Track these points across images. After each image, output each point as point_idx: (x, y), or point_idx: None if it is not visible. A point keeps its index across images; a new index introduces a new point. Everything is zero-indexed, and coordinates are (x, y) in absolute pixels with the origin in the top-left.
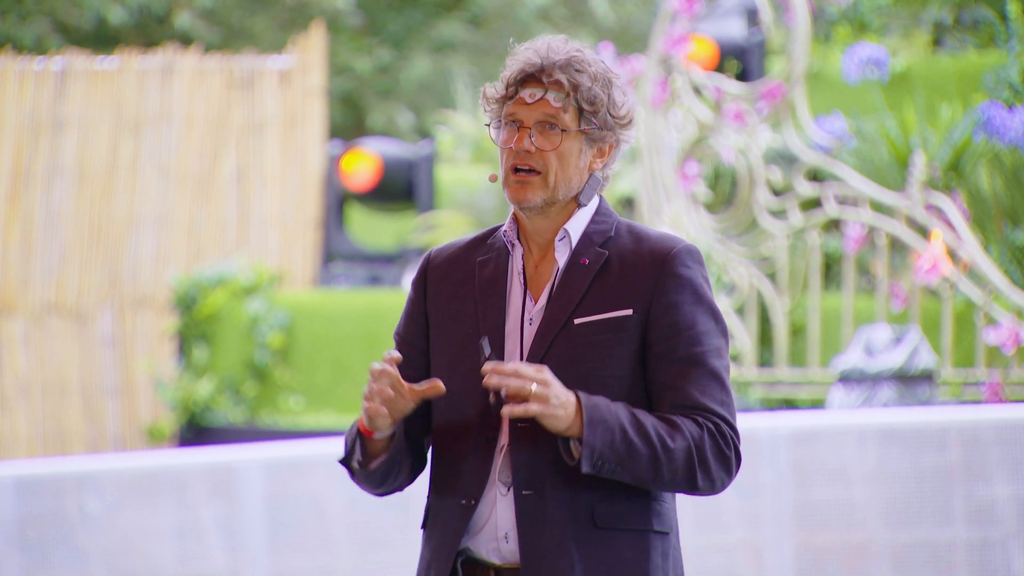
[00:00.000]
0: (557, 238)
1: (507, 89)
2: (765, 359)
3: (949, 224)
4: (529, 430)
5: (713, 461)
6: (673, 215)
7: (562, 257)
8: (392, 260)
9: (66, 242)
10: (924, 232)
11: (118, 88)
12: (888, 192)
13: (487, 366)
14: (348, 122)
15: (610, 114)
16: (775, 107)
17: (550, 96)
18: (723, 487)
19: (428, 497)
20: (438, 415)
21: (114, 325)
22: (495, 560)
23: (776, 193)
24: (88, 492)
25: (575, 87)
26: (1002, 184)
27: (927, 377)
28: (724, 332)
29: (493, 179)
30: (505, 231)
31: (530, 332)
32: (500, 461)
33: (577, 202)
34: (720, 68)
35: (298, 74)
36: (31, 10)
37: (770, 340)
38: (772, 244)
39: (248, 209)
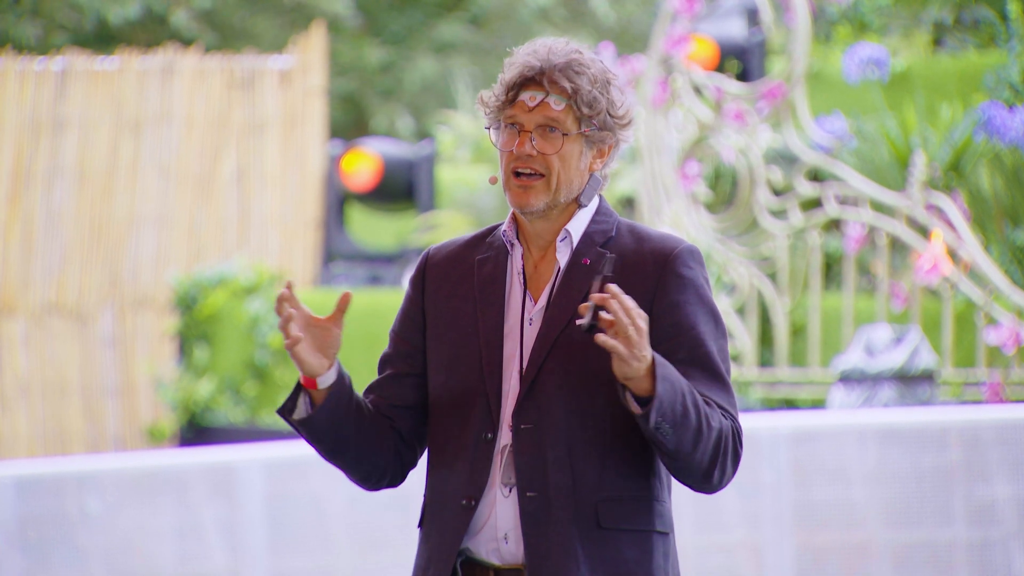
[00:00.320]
0: (558, 239)
1: (507, 93)
2: (765, 359)
3: (949, 224)
4: (532, 431)
5: (730, 453)
6: (673, 215)
7: (563, 257)
8: (392, 260)
9: (66, 242)
10: (924, 232)
11: (118, 88)
12: (888, 192)
13: (612, 288)
14: (349, 122)
15: (610, 115)
16: (775, 107)
17: (551, 100)
18: (725, 485)
19: (425, 496)
20: (436, 414)
21: (114, 325)
22: (495, 561)
23: (776, 193)
24: (88, 492)
25: (575, 90)
26: (1002, 184)
27: (927, 377)
28: (724, 333)
29: (493, 181)
30: (504, 231)
31: (530, 332)
32: (502, 462)
33: (578, 203)
34: (720, 68)
35: (298, 74)
36: (29, 10)
37: (770, 340)
38: (772, 244)
39: (248, 209)
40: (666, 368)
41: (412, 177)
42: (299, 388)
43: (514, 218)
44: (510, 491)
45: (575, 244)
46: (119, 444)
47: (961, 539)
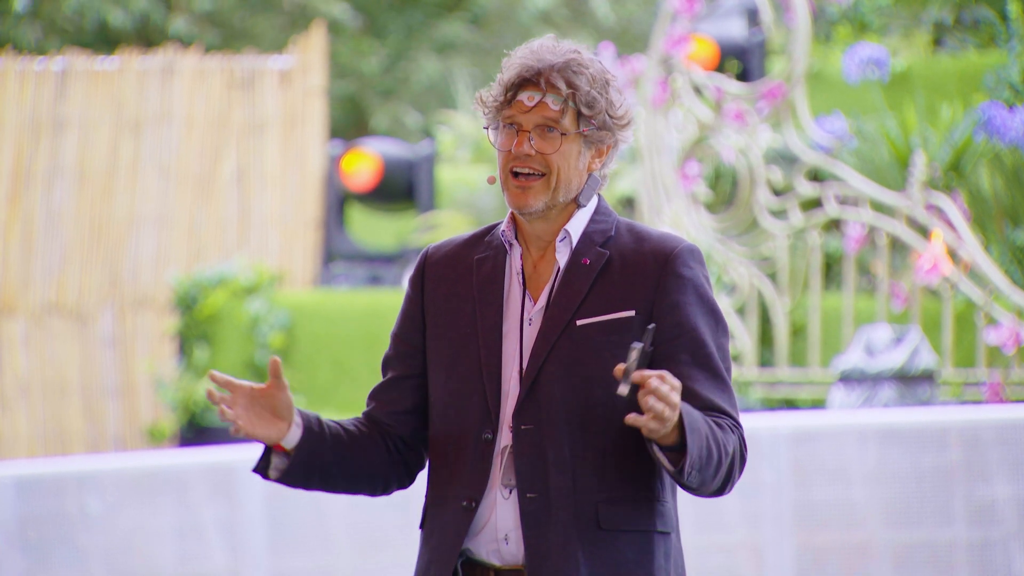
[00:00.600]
0: (558, 239)
1: (505, 93)
2: (765, 359)
3: (949, 224)
4: (531, 432)
5: (739, 466)
6: (673, 215)
7: (562, 257)
8: (392, 260)
9: (67, 242)
10: (924, 232)
11: (118, 88)
12: (888, 192)
13: (655, 379)
14: (349, 123)
15: (608, 115)
16: (775, 107)
17: (548, 99)
18: (733, 487)
19: (426, 497)
20: (436, 415)
21: (114, 325)
22: (495, 561)
23: (776, 193)
24: (88, 492)
25: (573, 90)
26: (1002, 184)
27: (927, 377)
28: (725, 332)
29: (491, 181)
30: (503, 231)
31: (530, 332)
32: (502, 463)
33: (576, 203)
34: (720, 68)
35: (298, 74)
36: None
37: (770, 340)
38: (772, 244)
39: (248, 209)
40: (691, 416)
41: (412, 177)
42: (268, 449)
43: (513, 218)
44: (510, 492)
45: (574, 244)
46: (119, 444)
47: (961, 539)
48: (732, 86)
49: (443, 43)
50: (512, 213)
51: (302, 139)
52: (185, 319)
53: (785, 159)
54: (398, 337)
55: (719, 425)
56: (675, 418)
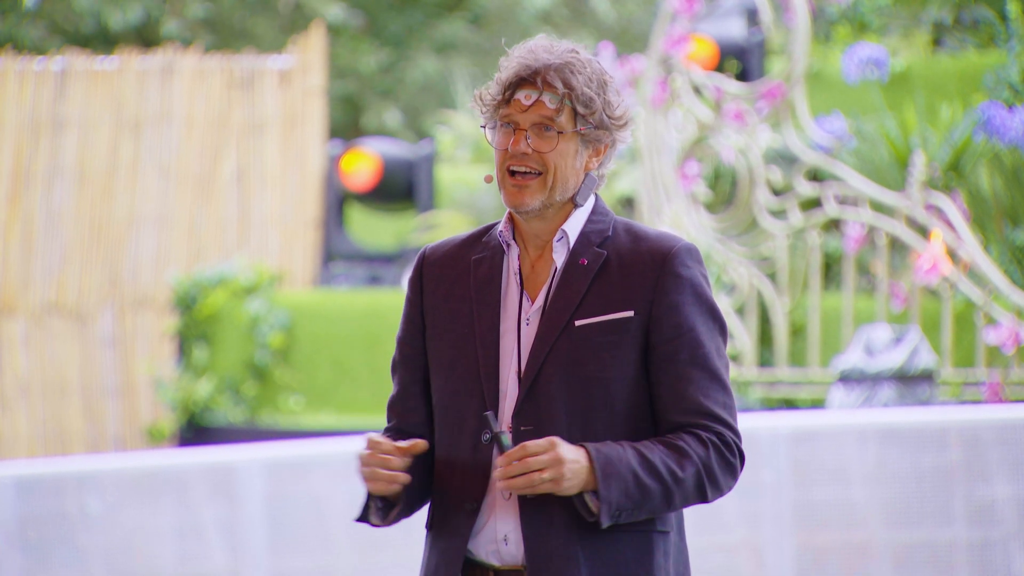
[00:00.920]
0: (555, 239)
1: (503, 92)
2: (765, 359)
3: (949, 224)
4: (531, 433)
5: (720, 473)
6: (673, 215)
7: (560, 257)
8: (392, 260)
9: (66, 242)
10: (924, 232)
11: (118, 88)
12: (888, 192)
13: (498, 472)
14: (348, 123)
15: (605, 115)
16: (775, 107)
17: (545, 98)
18: (729, 490)
19: (432, 497)
20: (438, 416)
21: (114, 325)
22: (494, 562)
23: (776, 193)
24: (88, 492)
25: (570, 89)
26: (1002, 184)
27: (927, 377)
28: (723, 330)
29: (489, 180)
30: (501, 231)
31: (527, 333)
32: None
33: (574, 202)
34: (720, 68)
35: (298, 74)
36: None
37: (770, 340)
38: (772, 244)
39: (248, 209)
40: (608, 464)
41: (412, 177)
42: (369, 498)
43: (510, 217)
44: (510, 493)
45: (572, 244)
46: (119, 444)
47: (961, 539)
48: (732, 86)
49: (443, 43)
50: (510, 213)
51: (302, 139)
52: (185, 319)
53: (785, 159)
54: (402, 341)
55: (672, 448)
56: (578, 471)
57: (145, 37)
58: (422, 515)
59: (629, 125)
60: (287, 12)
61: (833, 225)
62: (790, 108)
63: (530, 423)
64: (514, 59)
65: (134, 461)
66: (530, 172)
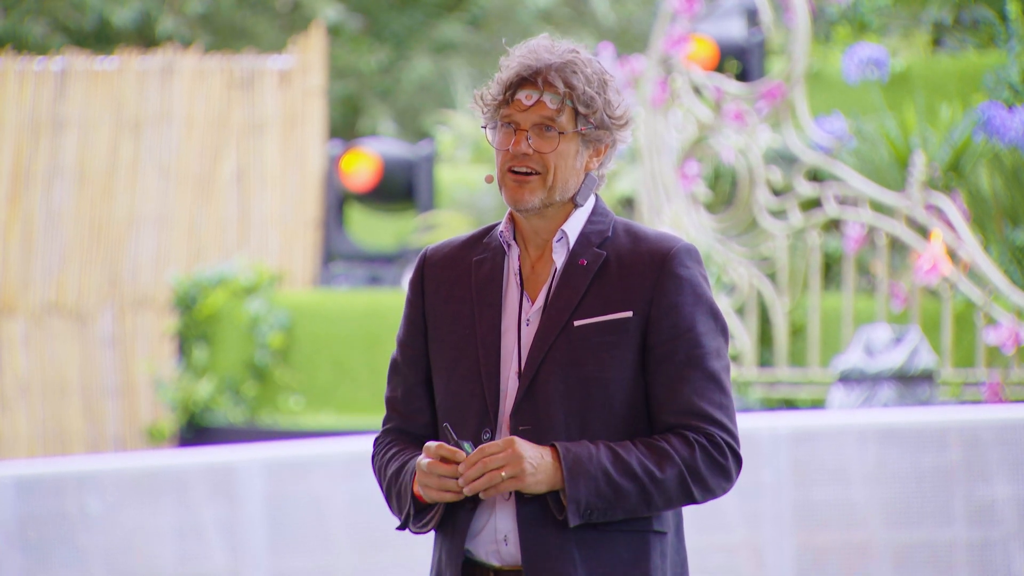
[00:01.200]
0: (555, 239)
1: (504, 92)
2: (765, 359)
3: (949, 224)
4: (529, 433)
5: (708, 474)
6: (673, 215)
7: (560, 258)
8: (392, 260)
9: (66, 242)
10: (924, 232)
11: (118, 88)
12: (888, 192)
13: (460, 480)
14: (348, 124)
15: (606, 114)
16: (775, 107)
17: (546, 98)
18: (725, 492)
19: None
20: (441, 416)
21: (114, 325)
22: (494, 562)
23: (776, 193)
24: (88, 492)
25: (571, 89)
26: (1002, 184)
27: (927, 377)
28: (724, 331)
29: (489, 180)
30: (501, 231)
31: (527, 333)
32: None
33: (574, 202)
34: (720, 68)
35: (298, 74)
36: (32, 9)
37: (770, 340)
38: (772, 244)
39: (248, 209)
40: (576, 462)
41: (412, 177)
42: (415, 500)
43: (511, 218)
44: (510, 493)
45: (571, 244)
46: (119, 444)
47: (961, 539)
48: (732, 86)
49: (442, 43)
50: (510, 213)
51: (302, 139)
52: (185, 319)
53: (785, 159)
54: (404, 342)
55: (652, 449)
56: (540, 467)
57: (145, 35)
58: None
59: (629, 125)
60: (286, 12)
61: (833, 225)
62: (790, 108)
63: (528, 422)
64: (515, 59)
65: (134, 461)
66: (531, 172)
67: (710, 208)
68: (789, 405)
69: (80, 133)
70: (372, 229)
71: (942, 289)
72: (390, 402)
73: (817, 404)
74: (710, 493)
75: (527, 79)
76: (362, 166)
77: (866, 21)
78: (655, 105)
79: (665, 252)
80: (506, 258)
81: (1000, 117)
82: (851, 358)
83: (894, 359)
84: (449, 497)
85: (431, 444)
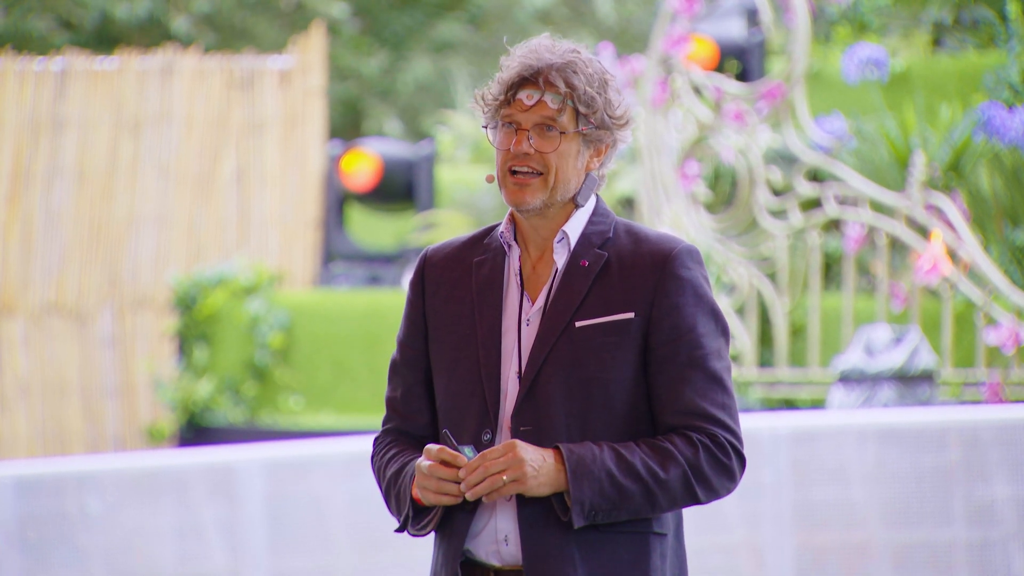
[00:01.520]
0: (556, 240)
1: (505, 92)
2: (765, 359)
3: (949, 224)
4: (530, 433)
5: (712, 474)
6: (673, 215)
7: (561, 259)
8: (392, 260)
9: (66, 242)
10: (924, 232)
11: (118, 88)
12: (888, 192)
13: (462, 485)
14: (348, 124)
15: (607, 114)
16: (775, 107)
17: (547, 98)
18: (729, 492)
19: None
20: (441, 416)
21: (114, 325)
22: (495, 562)
23: (776, 193)
24: (88, 492)
25: (572, 89)
26: (1002, 184)
27: (927, 377)
28: (725, 331)
29: (490, 180)
30: (502, 232)
31: (527, 333)
32: None
33: (575, 203)
34: (720, 68)
35: (298, 74)
36: (34, 7)
37: (770, 340)
38: (772, 244)
39: (248, 209)
40: (580, 463)
41: (412, 177)
42: (414, 503)
43: (512, 218)
44: (511, 495)
45: (572, 245)
46: (119, 444)
47: (961, 539)
48: (731, 86)
49: (441, 43)
50: (511, 214)
51: (302, 139)
52: (184, 319)
53: (785, 159)
54: (404, 343)
55: (656, 449)
56: (542, 468)
57: (148, 34)
58: None
59: (630, 125)
60: (290, 11)
61: (833, 225)
62: (790, 108)
63: (529, 423)
64: (516, 59)
65: (134, 461)
66: (532, 172)
67: (710, 208)
68: (789, 405)
69: (80, 133)
70: (372, 229)
71: (942, 289)
72: (390, 402)
73: (817, 404)
74: (714, 493)
75: (528, 79)
76: (362, 166)
77: (866, 21)
78: (655, 105)
79: (667, 253)
80: (507, 258)
81: (1000, 117)
82: (851, 358)
83: (894, 359)
84: (447, 500)
85: (431, 447)
